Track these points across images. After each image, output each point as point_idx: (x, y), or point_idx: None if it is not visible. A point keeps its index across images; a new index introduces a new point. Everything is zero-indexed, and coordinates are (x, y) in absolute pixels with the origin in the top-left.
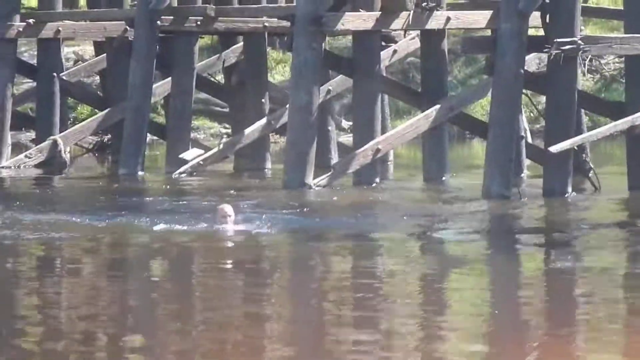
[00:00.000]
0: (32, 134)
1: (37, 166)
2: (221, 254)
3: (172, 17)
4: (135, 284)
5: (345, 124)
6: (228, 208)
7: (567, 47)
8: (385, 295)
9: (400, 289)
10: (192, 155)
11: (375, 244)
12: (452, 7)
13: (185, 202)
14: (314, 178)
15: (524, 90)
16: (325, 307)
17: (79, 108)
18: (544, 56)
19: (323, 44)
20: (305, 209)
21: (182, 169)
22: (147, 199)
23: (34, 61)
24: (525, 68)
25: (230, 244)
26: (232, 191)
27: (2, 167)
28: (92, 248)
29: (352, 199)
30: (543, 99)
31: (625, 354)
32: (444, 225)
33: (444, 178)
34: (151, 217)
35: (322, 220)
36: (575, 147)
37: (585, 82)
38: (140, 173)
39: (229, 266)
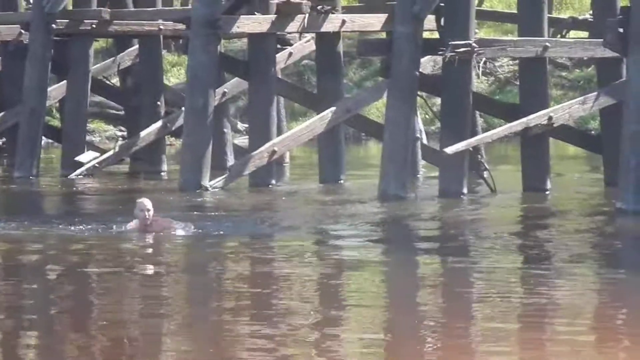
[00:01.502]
0: None
1: None
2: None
3: (67, 21)
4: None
5: (241, 126)
6: (147, 202)
7: (462, 49)
8: (284, 298)
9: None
10: (87, 157)
11: (274, 247)
12: (347, 9)
13: (79, 204)
14: (210, 180)
15: (419, 92)
16: None
17: None
18: (439, 58)
19: (218, 47)
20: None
21: (77, 172)
22: (41, 201)
23: None
24: (421, 70)
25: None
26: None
27: None
28: None
29: (249, 201)
30: (438, 100)
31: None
32: (339, 226)
33: (340, 180)
34: (45, 219)
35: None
36: (471, 149)
37: (479, 84)
38: (34, 176)
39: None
